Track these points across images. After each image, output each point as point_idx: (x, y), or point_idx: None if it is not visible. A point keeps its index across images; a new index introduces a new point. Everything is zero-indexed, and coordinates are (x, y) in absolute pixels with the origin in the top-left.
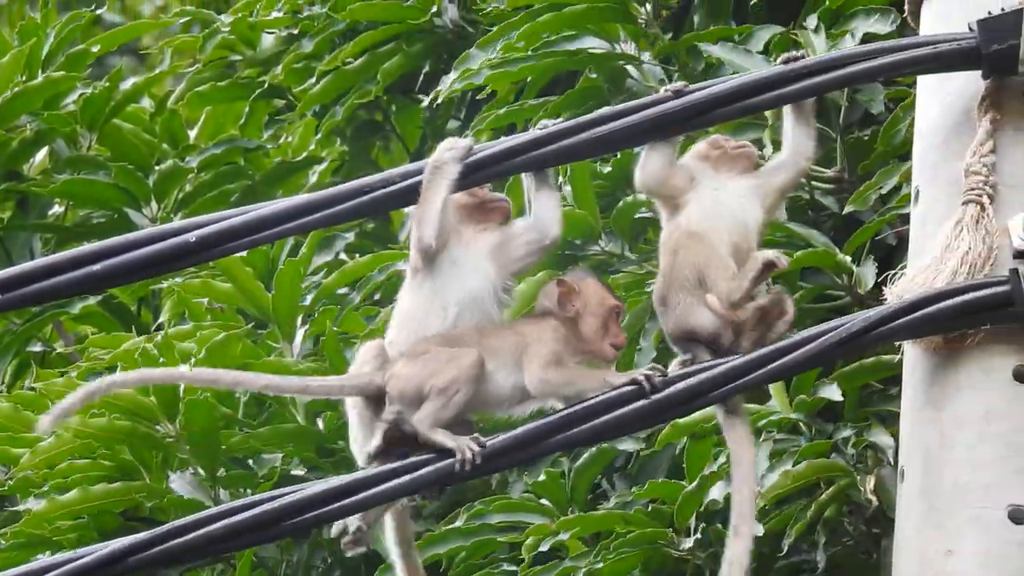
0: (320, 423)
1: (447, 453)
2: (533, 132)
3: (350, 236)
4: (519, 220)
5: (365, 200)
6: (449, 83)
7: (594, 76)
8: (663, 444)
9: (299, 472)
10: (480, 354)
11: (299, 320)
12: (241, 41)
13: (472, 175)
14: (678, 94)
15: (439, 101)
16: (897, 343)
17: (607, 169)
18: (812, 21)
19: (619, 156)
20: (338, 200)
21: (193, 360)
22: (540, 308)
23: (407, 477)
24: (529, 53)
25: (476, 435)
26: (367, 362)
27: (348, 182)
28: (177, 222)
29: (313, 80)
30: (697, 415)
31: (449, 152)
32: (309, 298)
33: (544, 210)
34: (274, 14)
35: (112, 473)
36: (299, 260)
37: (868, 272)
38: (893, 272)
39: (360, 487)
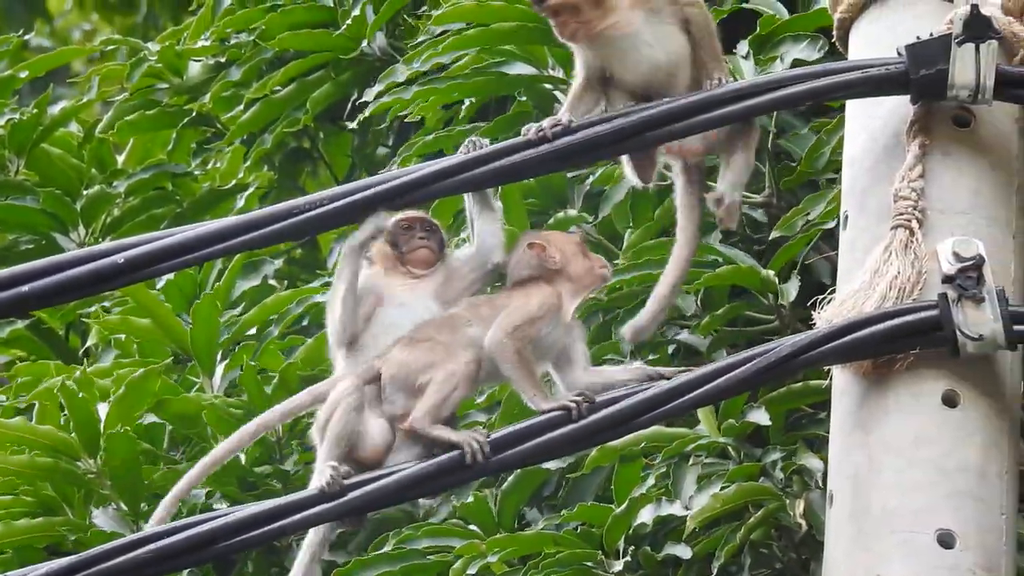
0: (242, 457)
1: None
2: (460, 156)
3: (278, 262)
4: (458, 251)
5: (293, 222)
6: (374, 95)
7: (524, 100)
8: (591, 467)
9: (221, 507)
10: (479, 354)
11: (219, 355)
12: (168, 69)
13: (403, 196)
14: (607, 120)
15: (366, 115)
16: (826, 368)
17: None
18: (742, 47)
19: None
20: (266, 222)
21: (112, 397)
22: (522, 276)
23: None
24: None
25: (479, 428)
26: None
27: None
28: (106, 243)
29: (241, 108)
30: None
31: (349, 243)
32: (231, 331)
33: (486, 236)
34: (201, 43)
35: (34, 509)
36: (216, 293)
37: (792, 288)
38: (822, 297)
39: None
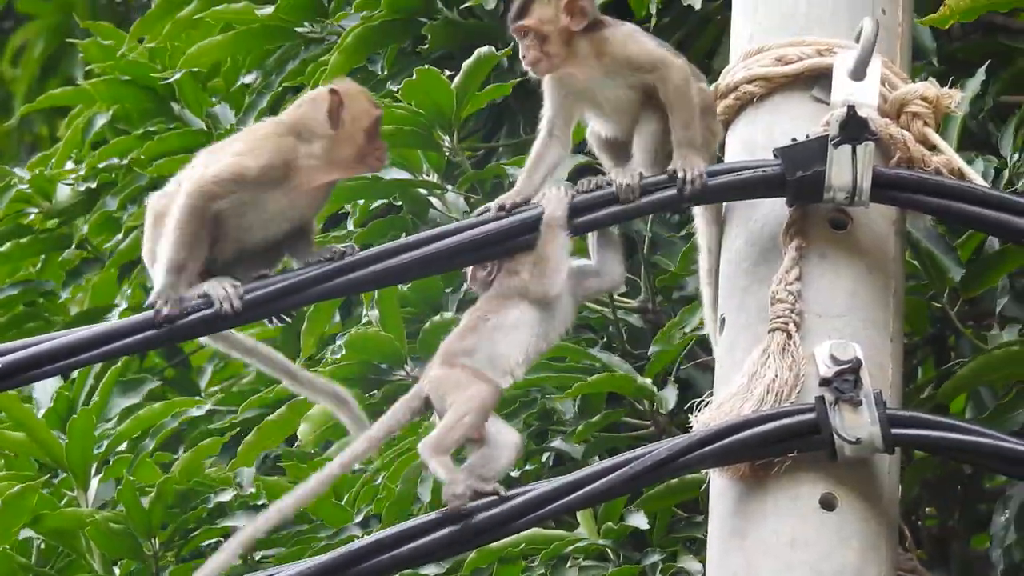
0: (116, 570)
1: None
2: (352, 257)
3: (155, 382)
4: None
5: (156, 333)
6: None
7: (399, 204)
8: (470, 570)
9: None
10: (499, 387)
11: (93, 468)
12: (38, 194)
13: (282, 300)
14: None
15: None
16: (704, 471)
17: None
18: None
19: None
20: (140, 328)
21: None
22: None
23: None
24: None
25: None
26: None
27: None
28: None
29: (120, 237)
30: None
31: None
32: (105, 444)
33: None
34: (69, 163)
35: None
36: (92, 408)
37: (670, 395)
38: (699, 400)
39: None
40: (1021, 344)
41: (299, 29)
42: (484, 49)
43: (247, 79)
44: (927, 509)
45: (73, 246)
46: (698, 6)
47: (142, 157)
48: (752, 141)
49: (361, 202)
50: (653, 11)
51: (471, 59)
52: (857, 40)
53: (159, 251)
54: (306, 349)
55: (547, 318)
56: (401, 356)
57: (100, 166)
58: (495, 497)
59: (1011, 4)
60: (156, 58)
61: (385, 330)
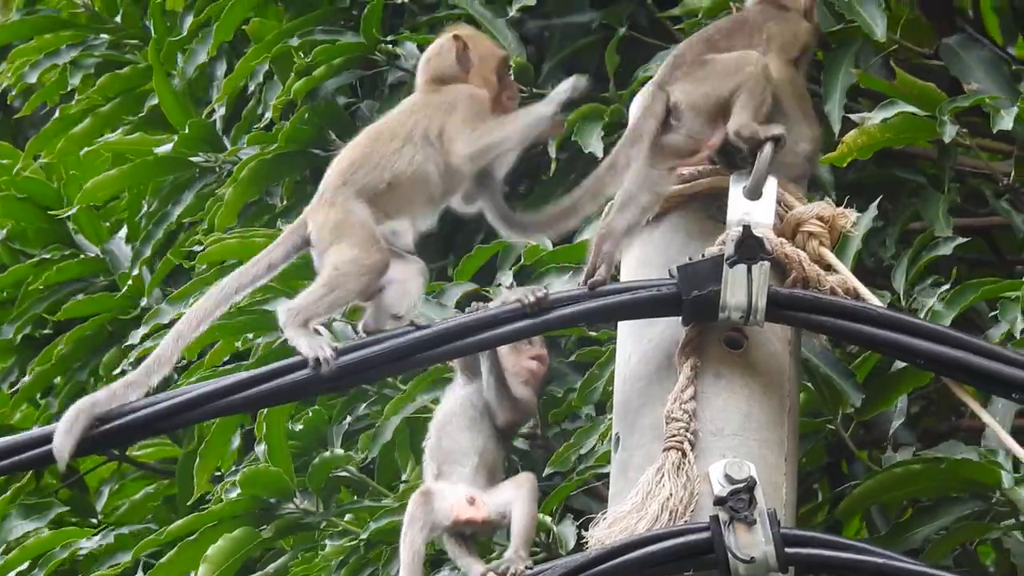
0: None
1: None
2: (238, 375)
3: (62, 507)
4: None
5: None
6: (140, 338)
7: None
8: None
9: None
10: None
11: None
12: None
13: (179, 415)
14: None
15: (131, 359)
16: None
17: (299, 427)
18: (507, 278)
19: (311, 414)
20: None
21: None
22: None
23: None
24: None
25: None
26: None
27: None
28: None
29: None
30: None
31: None
32: None
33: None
34: None
35: None
36: None
37: (568, 532)
38: (593, 516)
39: None
40: (915, 463)
41: (195, 160)
42: None
43: (143, 209)
44: None
45: None
46: (599, 154)
47: (40, 288)
48: (648, 259)
49: (250, 336)
50: (553, 155)
51: None
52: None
53: None
54: (200, 487)
55: None
56: (290, 489)
57: None
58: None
59: (907, 140)
60: (52, 175)
61: (273, 464)
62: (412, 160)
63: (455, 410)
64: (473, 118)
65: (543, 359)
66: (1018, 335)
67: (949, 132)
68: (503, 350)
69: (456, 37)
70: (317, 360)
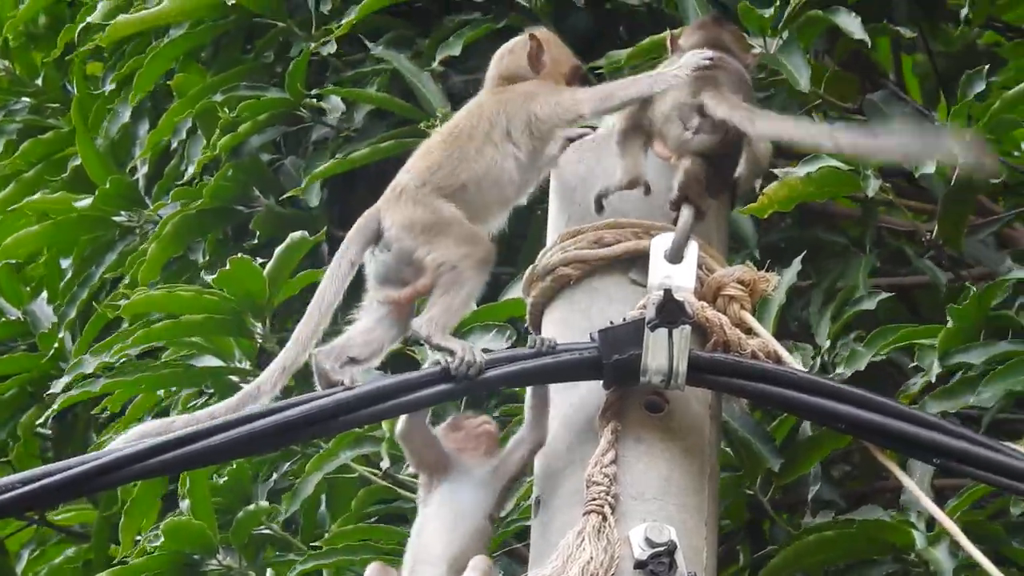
0: None
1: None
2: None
3: None
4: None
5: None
6: (62, 387)
7: (211, 392)
8: None
9: None
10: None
11: None
12: None
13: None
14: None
15: (55, 409)
16: None
17: (223, 479)
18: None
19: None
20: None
21: None
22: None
23: None
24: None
25: None
26: None
27: None
28: None
29: None
30: None
31: None
32: None
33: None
34: None
35: None
36: None
37: None
38: None
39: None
40: (829, 528)
41: (116, 218)
42: (296, 235)
43: (65, 267)
44: None
45: None
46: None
47: None
48: (569, 323)
49: (173, 389)
50: None
51: (283, 246)
52: (674, 223)
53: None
54: (125, 546)
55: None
56: (213, 545)
57: None
58: None
59: (828, 194)
60: None
61: (196, 519)
62: (493, 159)
63: (432, 513)
64: (558, 91)
65: (489, 421)
66: (934, 380)
67: (872, 186)
68: (442, 435)
69: (532, 36)
70: (469, 363)
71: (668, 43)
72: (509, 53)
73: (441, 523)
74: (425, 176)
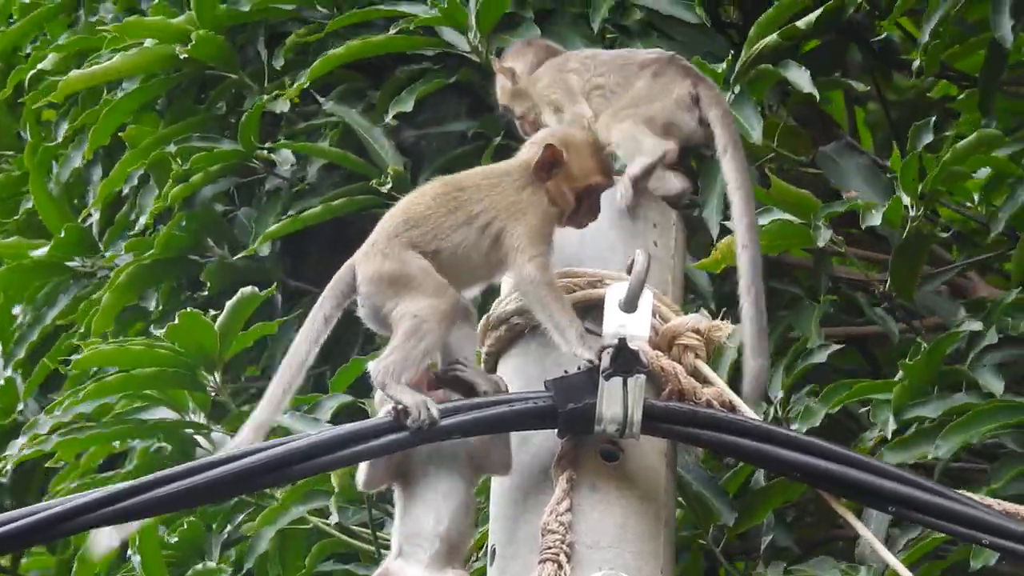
0: None
1: None
2: (115, 486)
3: None
4: None
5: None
6: (18, 449)
7: (165, 445)
8: None
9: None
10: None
11: None
12: None
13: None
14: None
15: (9, 467)
16: None
17: (174, 539)
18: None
19: (186, 525)
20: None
21: None
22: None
23: None
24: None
25: None
26: None
27: None
28: None
29: None
30: None
31: None
32: None
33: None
34: None
35: None
36: None
37: None
38: None
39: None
40: None
41: (70, 264)
42: (247, 289)
43: (16, 313)
44: None
45: None
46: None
47: None
48: (524, 372)
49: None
50: None
51: (235, 298)
52: (629, 272)
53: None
54: None
55: None
56: None
57: None
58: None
59: (781, 247)
60: None
61: (147, 573)
62: (464, 241)
63: (416, 494)
64: (538, 233)
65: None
66: (890, 436)
67: (823, 236)
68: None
69: (548, 146)
70: (423, 420)
71: (496, 69)
72: (531, 146)
73: (425, 504)
74: (400, 229)
